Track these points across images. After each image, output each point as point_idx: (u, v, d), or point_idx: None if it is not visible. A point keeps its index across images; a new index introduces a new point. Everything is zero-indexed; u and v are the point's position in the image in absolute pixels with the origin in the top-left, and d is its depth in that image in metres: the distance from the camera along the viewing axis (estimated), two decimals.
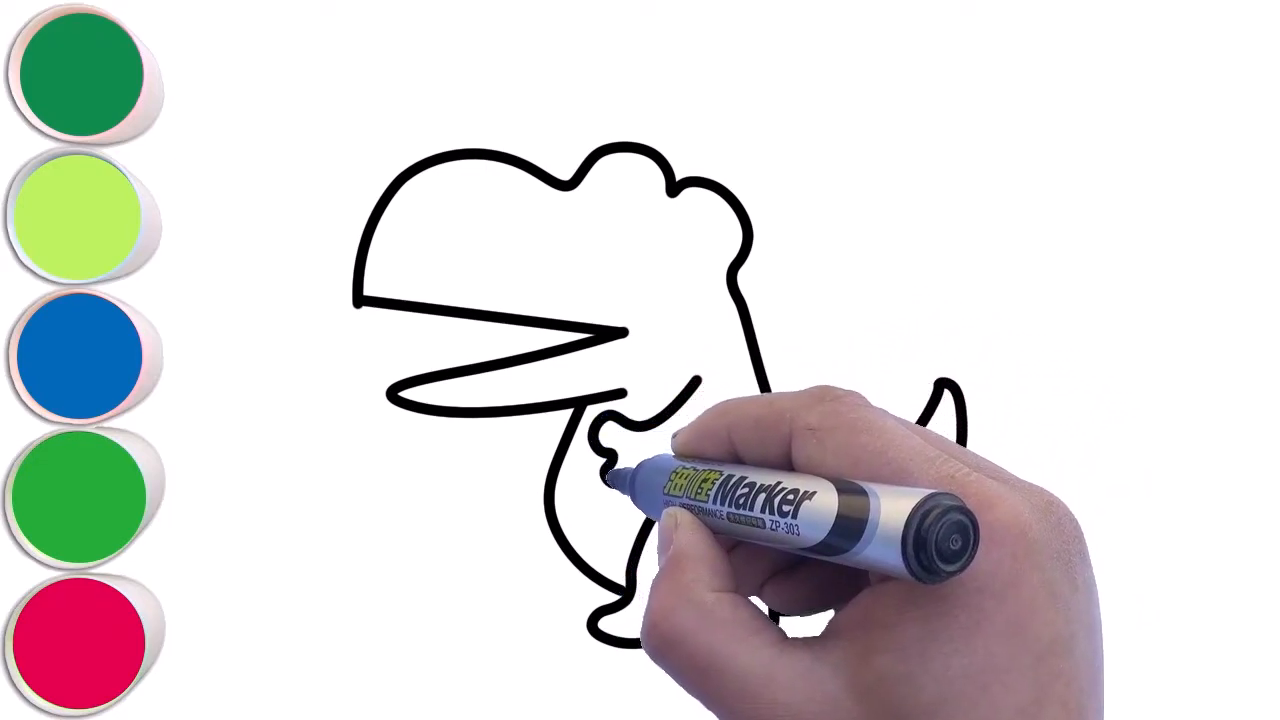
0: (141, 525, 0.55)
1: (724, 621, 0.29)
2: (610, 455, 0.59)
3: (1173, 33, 0.61)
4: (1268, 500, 0.61)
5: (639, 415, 0.59)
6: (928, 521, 0.24)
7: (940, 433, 0.30)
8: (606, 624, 0.58)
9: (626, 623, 0.58)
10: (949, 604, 0.26)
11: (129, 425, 0.56)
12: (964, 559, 0.25)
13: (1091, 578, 0.28)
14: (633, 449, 0.59)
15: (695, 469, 0.32)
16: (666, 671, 0.30)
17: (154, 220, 0.56)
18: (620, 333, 0.59)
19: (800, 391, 0.30)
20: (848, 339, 0.59)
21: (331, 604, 0.57)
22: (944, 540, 0.24)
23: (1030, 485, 0.28)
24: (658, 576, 0.30)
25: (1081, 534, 0.27)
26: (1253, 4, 0.61)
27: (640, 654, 0.58)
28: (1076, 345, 0.60)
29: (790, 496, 0.28)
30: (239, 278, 0.57)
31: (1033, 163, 0.60)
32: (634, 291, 0.59)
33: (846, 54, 0.59)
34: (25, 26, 0.54)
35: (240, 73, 0.57)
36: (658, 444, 0.59)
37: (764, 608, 0.31)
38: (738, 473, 0.30)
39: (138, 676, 0.54)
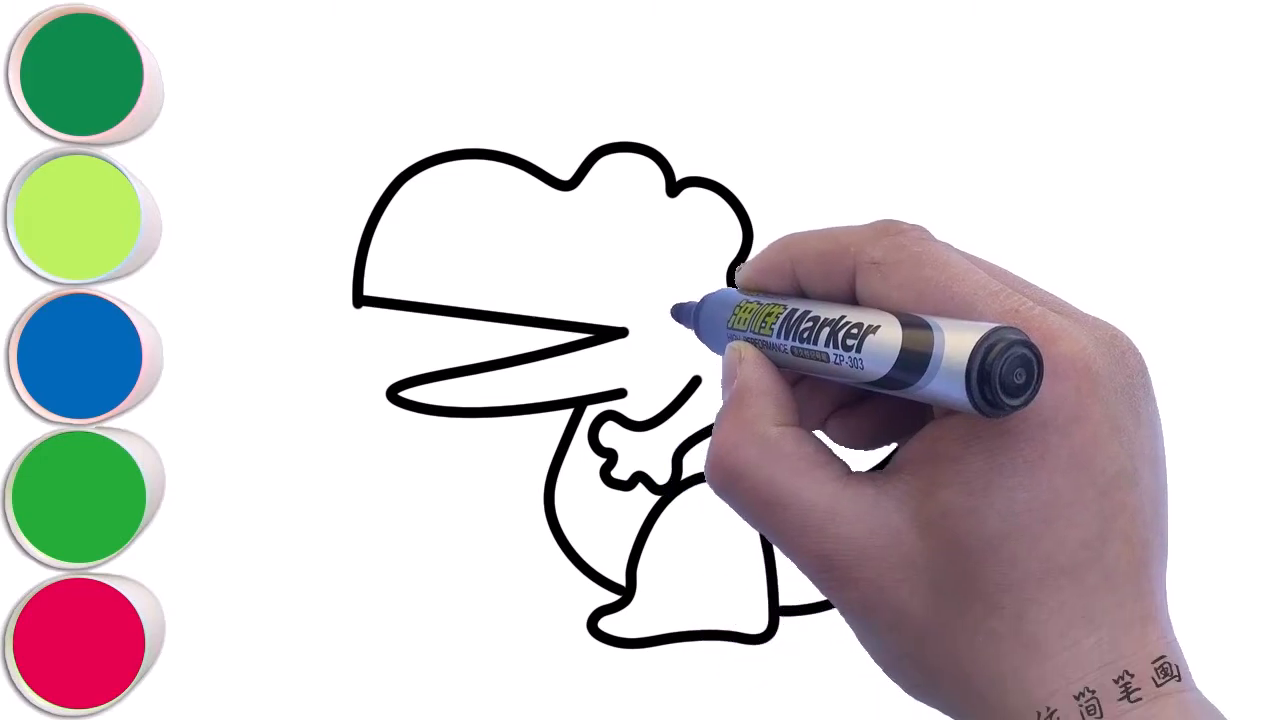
0: (141, 525, 0.55)
1: (788, 456, 0.28)
2: (610, 455, 0.59)
3: (1171, 31, 0.61)
4: None
5: (639, 415, 0.59)
6: (992, 356, 0.24)
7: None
8: (606, 624, 0.58)
9: (626, 623, 0.58)
10: (1013, 438, 0.26)
11: (129, 425, 0.56)
12: (1028, 393, 0.25)
13: (1155, 412, 0.27)
14: (633, 449, 0.59)
15: (759, 303, 0.32)
16: (730, 505, 0.30)
17: (154, 220, 0.56)
18: (620, 333, 0.59)
19: (864, 225, 0.30)
20: None
21: (332, 604, 0.57)
22: (1008, 374, 0.24)
23: (1095, 319, 0.28)
24: (722, 410, 0.30)
25: (1145, 368, 0.27)
26: (1253, 4, 0.61)
27: (640, 654, 0.58)
28: None
29: (854, 330, 0.27)
30: (239, 278, 0.57)
31: (1033, 162, 0.60)
32: (634, 291, 0.59)
33: (846, 54, 0.59)
34: (25, 26, 0.54)
35: (240, 73, 0.57)
36: (658, 444, 0.59)
37: (828, 442, 0.31)
38: (801, 307, 0.30)
39: (138, 676, 0.54)
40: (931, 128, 0.60)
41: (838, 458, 0.29)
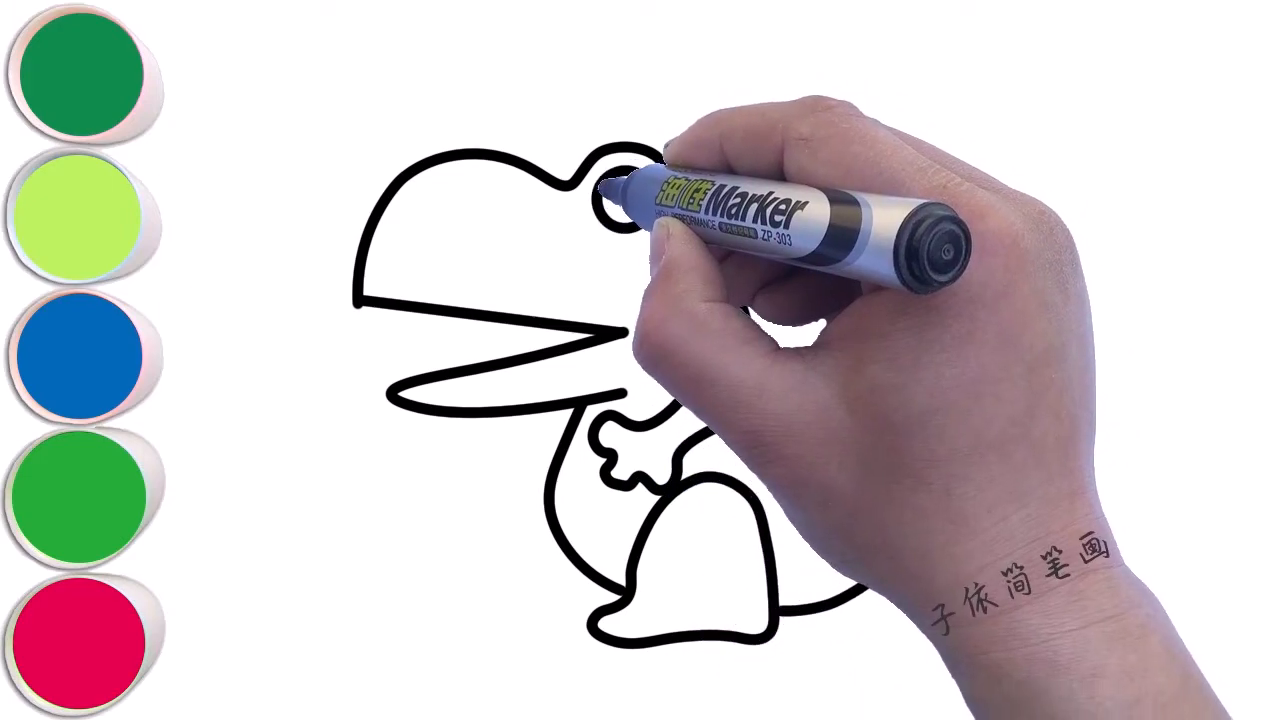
0: (141, 525, 0.55)
1: (716, 332, 0.28)
2: (610, 455, 0.59)
3: (1170, 32, 0.61)
4: None
5: (639, 415, 0.59)
6: (919, 231, 0.24)
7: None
8: (606, 624, 0.58)
9: (626, 623, 0.58)
10: (941, 314, 0.26)
11: (129, 425, 0.56)
12: (956, 269, 0.24)
13: (1084, 288, 0.27)
14: (633, 449, 0.59)
15: (687, 179, 0.31)
16: (658, 382, 0.29)
17: (154, 220, 0.56)
18: (620, 333, 0.59)
19: (793, 101, 0.29)
20: None
21: (332, 604, 0.57)
22: (936, 250, 0.24)
23: (1023, 195, 0.28)
24: (649, 287, 0.30)
25: (1074, 244, 0.27)
26: (1253, 4, 0.61)
27: (640, 654, 0.58)
28: None
29: (782, 206, 0.27)
30: (239, 278, 0.57)
31: (1035, 163, 0.60)
32: (634, 291, 0.58)
33: (845, 53, 0.59)
34: (25, 26, 0.54)
35: (240, 73, 0.57)
36: (658, 444, 0.59)
37: (756, 319, 0.30)
38: (730, 183, 0.30)
39: (138, 676, 0.54)
40: (930, 127, 0.60)
41: (766, 334, 0.29)
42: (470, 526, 0.58)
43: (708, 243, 0.30)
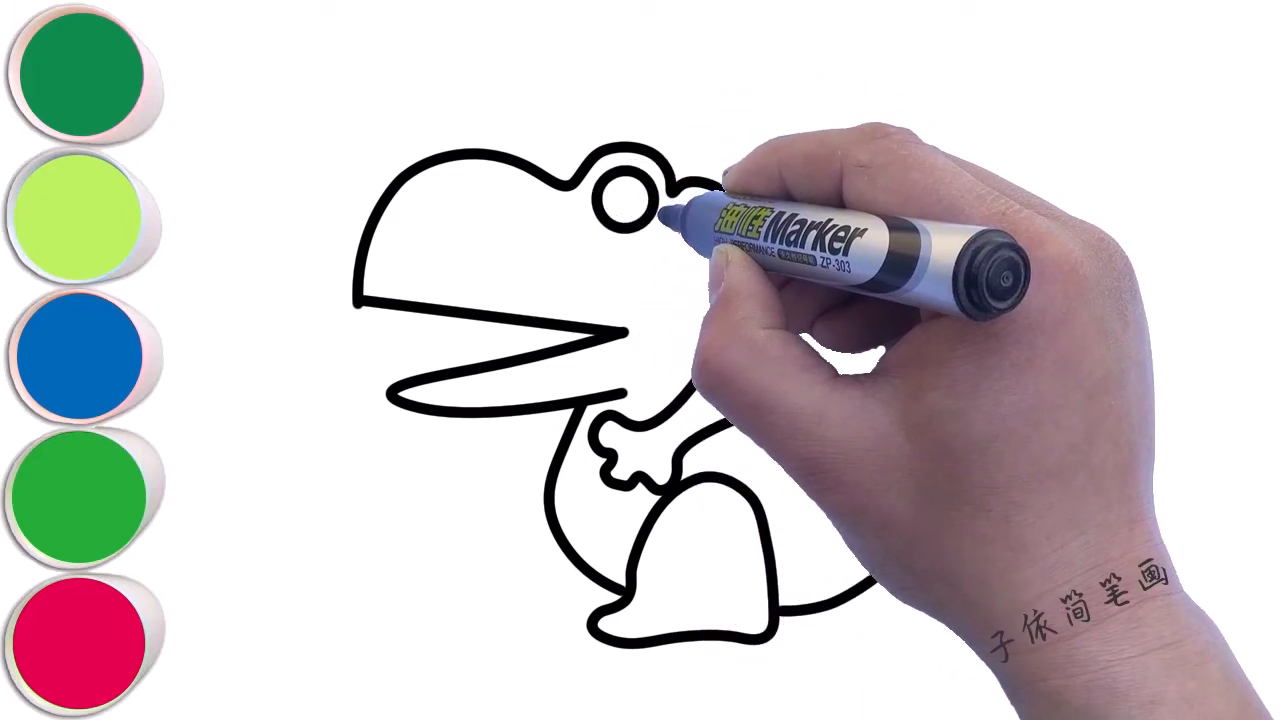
0: (141, 525, 0.55)
1: (775, 359, 0.28)
2: (610, 455, 0.59)
3: (1169, 32, 0.61)
4: None
5: (639, 415, 0.59)
6: (979, 258, 0.24)
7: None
8: (606, 624, 0.58)
9: (626, 623, 0.58)
10: (1000, 341, 0.26)
11: (129, 425, 0.56)
12: (1015, 296, 0.25)
13: (1143, 315, 0.27)
14: (633, 449, 0.59)
15: (746, 206, 0.32)
16: (717, 408, 0.29)
17: (154, 220, 0.56)
18: (620, 333, 0.59)
19: (851, 128, 0.29)
20: None
21: (332, 604, 0.57)
22: (995, 277, 0.24)
23: (1082, 222, 0.28)
24: (709, 313, 0.30)
25: (1133, 271, 0.27)
26: (1253, 4, 0.61)
27: (640, 654, 0.58)
28: None
29: (841, 233, 0.27)
30: (239, 278, 0.57)
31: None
32: (634, 291, 0.59)
33: (846, 53, 0.59)
34: (25, 26, 0.54)
35: (240, 73, 0.57)
36: (658, 444, 0.59)
37: (815, 345, 0.30)
38: (789, 210, 0.30)
39: (138, 676, 0.54)
40: (930, 128, 0.60)
41: (825, 361, 0.29)
42: (470, 526, 0.58)
43: (767, 270, 0.31)
